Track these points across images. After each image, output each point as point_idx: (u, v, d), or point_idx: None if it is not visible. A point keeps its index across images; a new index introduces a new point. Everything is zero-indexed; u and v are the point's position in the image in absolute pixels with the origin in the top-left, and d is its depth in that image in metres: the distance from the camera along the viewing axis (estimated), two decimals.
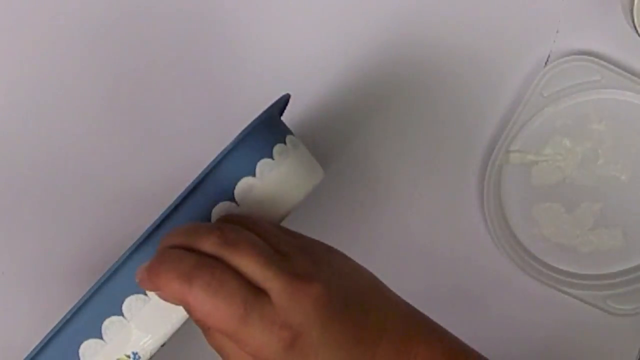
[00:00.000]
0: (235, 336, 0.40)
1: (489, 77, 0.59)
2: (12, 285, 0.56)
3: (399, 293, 0.45)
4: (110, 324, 0.43)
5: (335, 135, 0.59)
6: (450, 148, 0.60)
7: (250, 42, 0.57)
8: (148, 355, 0.44)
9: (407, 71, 0.58)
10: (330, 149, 0.59)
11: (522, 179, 0.60)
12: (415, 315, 0.45)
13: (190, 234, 0.42)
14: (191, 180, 0.45)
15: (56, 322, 0.43)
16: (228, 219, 0.44)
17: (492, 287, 0.62)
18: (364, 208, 0.60)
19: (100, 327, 0.43)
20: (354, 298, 0.42)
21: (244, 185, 0.45)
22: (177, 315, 0.43)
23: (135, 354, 0.43)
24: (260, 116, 0.46)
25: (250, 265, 0.41)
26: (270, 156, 0.45)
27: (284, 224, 0.47)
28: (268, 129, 0.46)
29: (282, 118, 0.50)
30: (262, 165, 0.45)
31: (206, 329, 0.43)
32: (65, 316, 0.43)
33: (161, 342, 0.44)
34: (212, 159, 0.45)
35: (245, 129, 0.45)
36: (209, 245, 0.41)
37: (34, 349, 0.43)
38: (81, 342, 0.43)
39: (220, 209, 0.45)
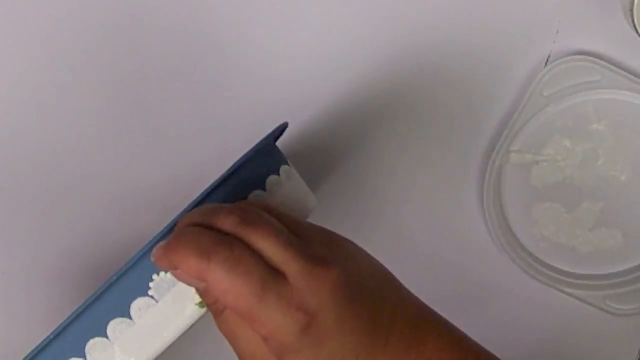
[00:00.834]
0: (250, 315, 0.40)
1: (489, 78, 0.59)
2: (12, 285, 0.56)
3: None
4: (94, 344, 0.43)
5: (335, 135, 0.59)
6: (450, 148, 0.60)
7: (254, 48, 0.57)
8: None
9: (407, 72, 0.58)
10: (331, 149, 0.59)
11: (522, 179, 0.60)
12: (425, 308, 0.45)
13: (210, 213, 0.41)
14: (188, 200, 0.44)
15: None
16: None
17: (492, 287, 0.62)
18: (363, 207, 0.60)
19: (84, 347, 0.43)
20: (369, 286, 0.42)
21: None
22: (161, 339, 0.43)
23: None
24: (255, 146, 0.46)
25: (269, 246, 0.40)
26: (263, 188, 0.45)
27: None
28: (262, 160, 0.46)
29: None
30: (254, 197, 0.45)
31: (219, 313, 0.42)
32: (49, 335, 0.43)
33: None
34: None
35: (240, 158, 0.45)
36: (228, 224, 0.41)
37: None
38: None
39: None
